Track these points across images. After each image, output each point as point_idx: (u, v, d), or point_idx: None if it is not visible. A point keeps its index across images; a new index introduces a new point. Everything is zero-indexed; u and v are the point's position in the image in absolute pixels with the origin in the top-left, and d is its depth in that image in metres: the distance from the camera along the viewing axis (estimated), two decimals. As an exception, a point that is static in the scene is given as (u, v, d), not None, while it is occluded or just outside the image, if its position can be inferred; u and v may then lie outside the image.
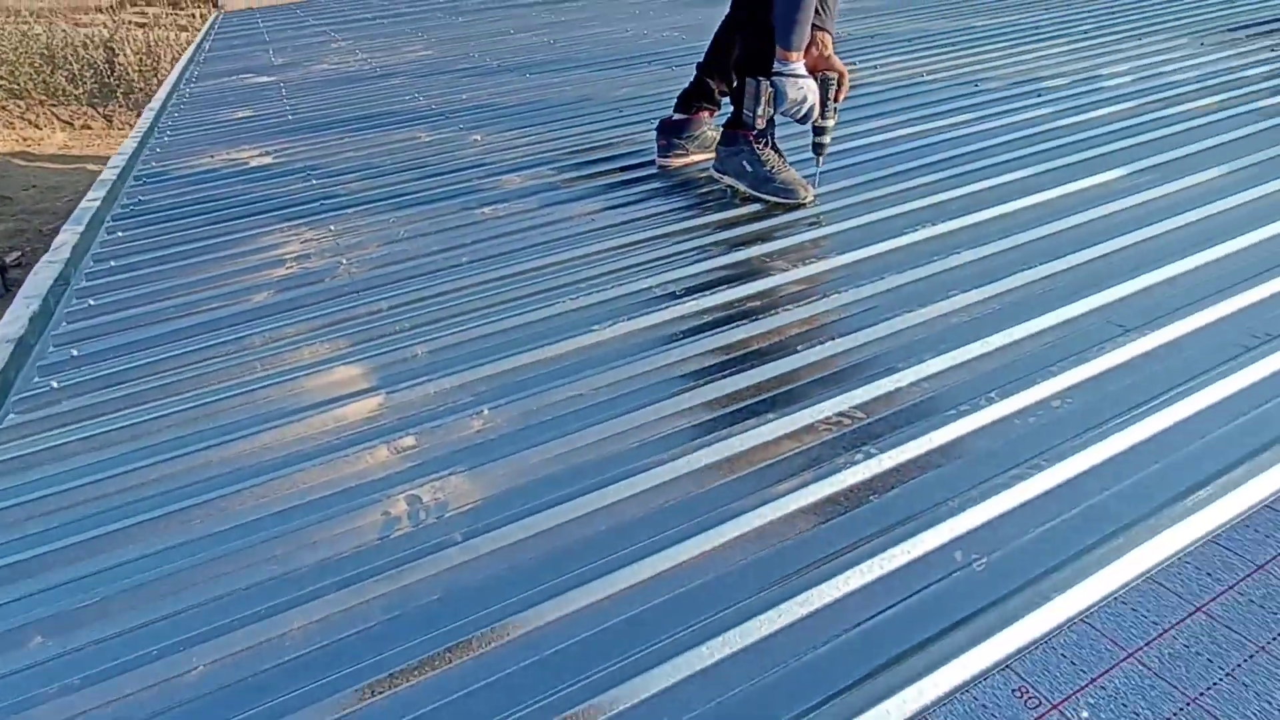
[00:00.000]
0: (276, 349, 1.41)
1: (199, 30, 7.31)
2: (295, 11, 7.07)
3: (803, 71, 1.69)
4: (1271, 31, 3.04)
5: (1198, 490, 0.93)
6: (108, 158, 2.91)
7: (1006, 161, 1.95)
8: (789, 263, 1.56)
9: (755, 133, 1.82)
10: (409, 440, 1.12)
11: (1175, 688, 0.80)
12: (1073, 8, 3.83)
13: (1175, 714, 0.82)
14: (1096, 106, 2.28)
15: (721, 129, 1.94)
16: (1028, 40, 3.20)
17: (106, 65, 9.06)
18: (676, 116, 2.12)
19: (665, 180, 2.06)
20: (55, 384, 1.35)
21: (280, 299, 1.60)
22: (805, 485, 0.97)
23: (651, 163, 2.17)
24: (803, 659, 0.77)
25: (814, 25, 1.68)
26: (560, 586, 0.86)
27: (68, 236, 2.00)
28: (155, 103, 3.71)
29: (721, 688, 0.75)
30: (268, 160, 2.56)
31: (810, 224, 1.74)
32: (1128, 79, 2.54)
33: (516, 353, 1.31)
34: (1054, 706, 0.87)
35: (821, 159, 1.81)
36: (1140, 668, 0.83)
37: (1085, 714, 0.86)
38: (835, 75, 1.71)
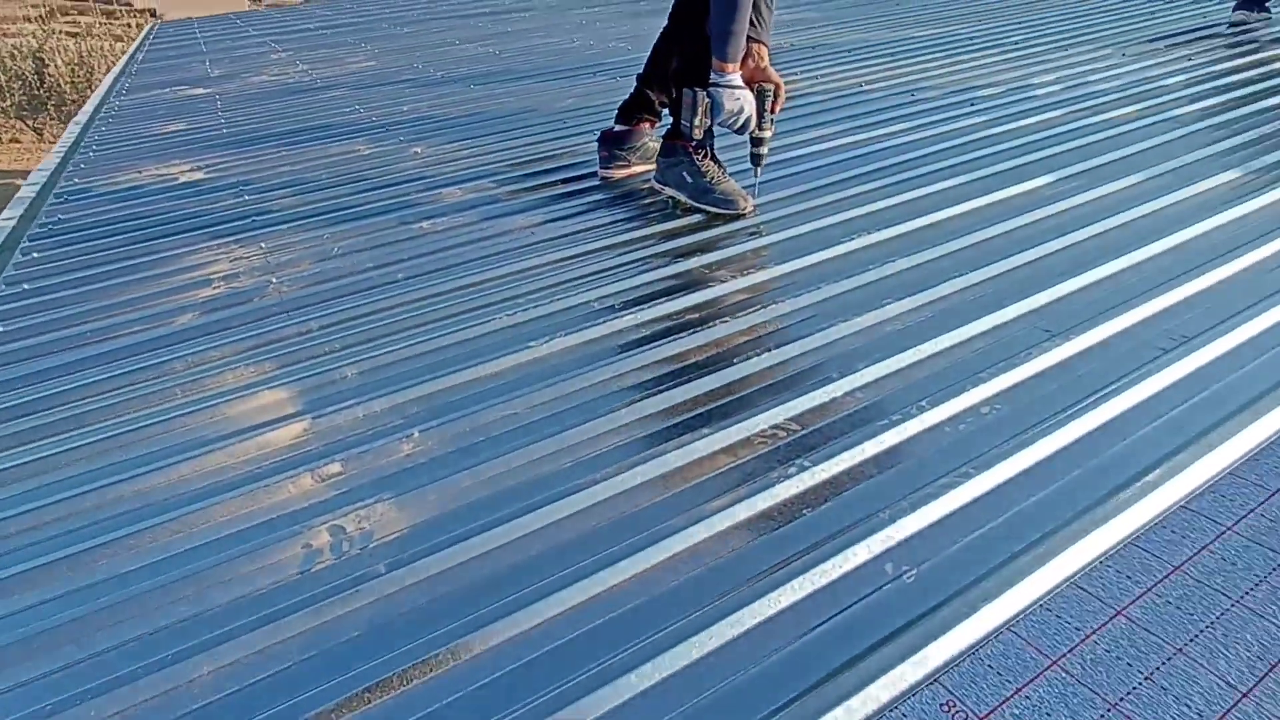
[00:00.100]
0: (199, 374, 1.35)
1: (135, 40, 7.07)
2: (235, 21, 6.90)
3: (739, 82, 1.70)
4: (1188, 42, 3.17)
5: (1119, 492, 0.94)
6: (30, 174, 2.78)
7: (941, 170, 1.99)
8: (730, 273, 1.56)
9: (694, 144, 1.82)
10: (335, 467, 1.08)
11: (1096, 694, 0.81)
12: (1006, 19, 3.96)
13: (1096, 721, 0.84)
14: (1026, 115, 2.35)
15: (661, 140, 1.94)
16: (963, 51, 3.29)
17: (36, 76, 8.71)
18: (617, 128, 2.11)
19: (607, 192, 2.05)
20: (-45, 418, 1.27)
21: (205, 321, 1.54)
22: (739, 501, 0.96)
23: (594, 174, 2.16)
24: (734, 682, 0.76)
25: (749, 37, 1.69)
26: (486, 617, 0.83)
27: (-22, 259, 1.90)
28: (81, 116, 3.57)
29: (651, 716, 0.73)
30: (199, 175, 2.48)
31: (751, 234, 1.75)
32: (1056, 88, 2.62)
33: (450, 372, 1.28)
34: (980, 720, 0.88)
35: (760, 169, 1.82)
36: (1063, 675, 0.84)
37: (1012, 724, 0.86)
38: (772, 86, 1.72)
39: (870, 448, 1.05)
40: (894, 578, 0.85)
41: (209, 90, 3.85)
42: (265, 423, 1.19)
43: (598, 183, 2.11)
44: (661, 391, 1.19)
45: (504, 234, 1.83)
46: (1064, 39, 3.38)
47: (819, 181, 1.98)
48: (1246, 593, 0.99)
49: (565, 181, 2.14)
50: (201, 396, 1.28)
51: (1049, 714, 0.81)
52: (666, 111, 2.02)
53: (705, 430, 1.10)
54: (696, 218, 1.84)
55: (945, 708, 0.82)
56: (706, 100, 1.72)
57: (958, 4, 4.68)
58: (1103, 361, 1.20)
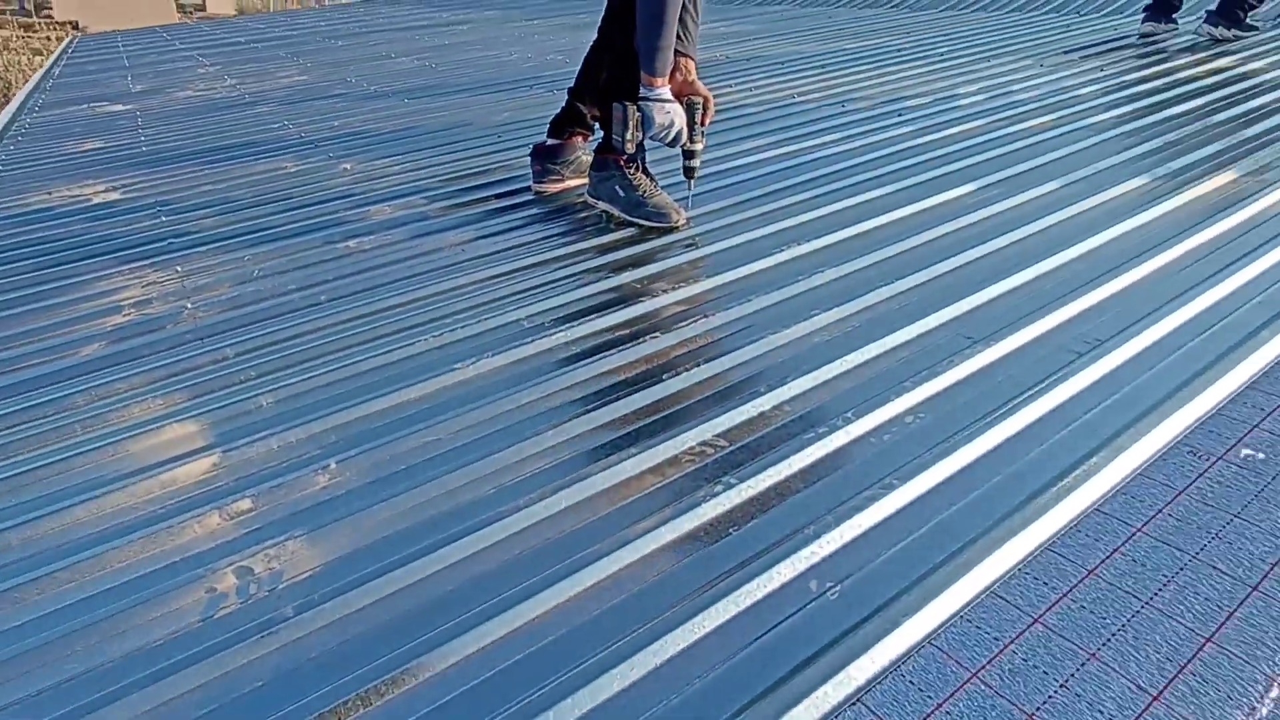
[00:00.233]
0: (102, 408, 1.28)
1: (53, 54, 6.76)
2: (162, 35, 6.67)
3: (668, 96, 1.70)
4: (1101, 53, 3.32)
5: (1036, 498, 0.96)
6: (-75, 197, 2.61)
7: (869, 180, 2.02)
8: (664, 286, 1.55)
9: (626, 157, 1.82)
10: (245, 503, 1.03)
11: (1014, 705, 0.82)
12: (934, 31, 4.08)
13: (1013, 732, 0.85)
14: (950, 125, 2.42)
15: (593, 154, 1.92)
16: (893, 62, 3.38)
17: (-56, 92, 8.27)
18: (550, 142, 2.09)
19: (542, 206, 2.03)
20: None
21: (112, 351, 1.46)
22: (665, 523, 0.95)
23: (529, 189, 2.13)
24: (655, 714, 0.74)
25: (677, 51, 1.69)
26: (401, 658, 0.79)
27: None
28: (-12, 135, 3.38)
29: (569, 754, 0.71)
30: (114, 196, 2.36)
31: (686, 246, 1.75)
32: (979, 98, 2.70)
33: (371, 398, 1.23)
34: (902, 739, 0.88)
35: (693, 182, 1.82)
36: (982, 687, 0.85)
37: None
38: (700, 100, 1.73)
39: (797, 462, 1.05)
40: (817, 595, 0.85)
41: (129, 106, 3.70)
42: (171, 458, 1.13)
43: (532, 198, 2.09)
44: (589, 411, 1.17)
45: (433, 252, 1.79)
46: (988, 50, 3.50)
47: (752, 192, 1.99)
48: (1155, 594, 1.02)
49: (499, 197, 2.11)
50: (103, 432, 1.21)
51: (968, 728, 0.82)
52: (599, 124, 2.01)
53: (633, 450, 1.08)
54: (631, 231, 1.83)
55: (866, 728, 0.82)
56: (637, 114, 1.71)
57: (889, 18, 4.81)
58: (1020, 367, 1.22)
